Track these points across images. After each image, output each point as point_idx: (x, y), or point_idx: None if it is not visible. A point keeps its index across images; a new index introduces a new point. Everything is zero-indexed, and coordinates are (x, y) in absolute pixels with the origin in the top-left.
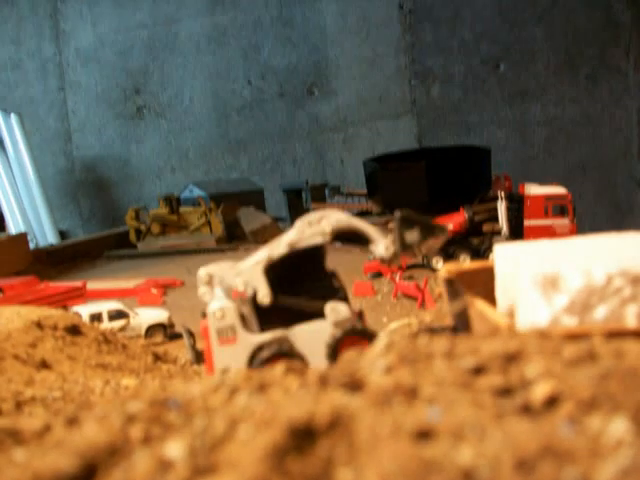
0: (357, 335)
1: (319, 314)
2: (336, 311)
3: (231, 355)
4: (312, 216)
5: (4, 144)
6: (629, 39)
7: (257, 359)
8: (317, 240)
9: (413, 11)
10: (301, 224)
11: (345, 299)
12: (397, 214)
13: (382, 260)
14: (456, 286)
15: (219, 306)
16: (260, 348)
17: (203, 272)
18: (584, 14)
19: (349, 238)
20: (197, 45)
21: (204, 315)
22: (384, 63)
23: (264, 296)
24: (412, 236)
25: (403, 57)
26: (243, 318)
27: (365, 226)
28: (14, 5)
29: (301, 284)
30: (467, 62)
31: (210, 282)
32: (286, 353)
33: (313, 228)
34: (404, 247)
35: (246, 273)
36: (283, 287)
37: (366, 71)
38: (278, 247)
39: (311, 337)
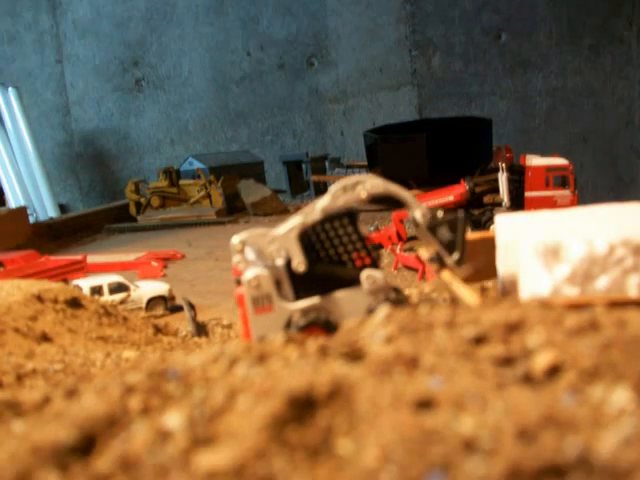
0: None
1: (354, 281)
2: (372, 279)
3: (267, 324)
4: (347, 181)
5: (2, 118)
6: (632, 9)
7: (293, 327)
8: (352, 205)
9: None
10: (335, 189)
11: (378, 265)
12: (461, 214)
13: (432, 261)
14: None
15: (254, 274)
16: (296, 316)
17: (236, 240)
18: None
19: (384, 201)
20: (195, 16)
21: (238, 283)
22: (384, 33)
23: (299, 263)
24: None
25: (403, 27)
26: (279, 286)
27: (401, 192)
28: None
29: (335, 250)
30: (468, 32)
31: (243, 250)
32: (322, 321)
33: (348, 194)
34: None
35: (280, 240)
36: (317, 253)
37: (366, 42)
38: (312, 213)
39: (347, 305)
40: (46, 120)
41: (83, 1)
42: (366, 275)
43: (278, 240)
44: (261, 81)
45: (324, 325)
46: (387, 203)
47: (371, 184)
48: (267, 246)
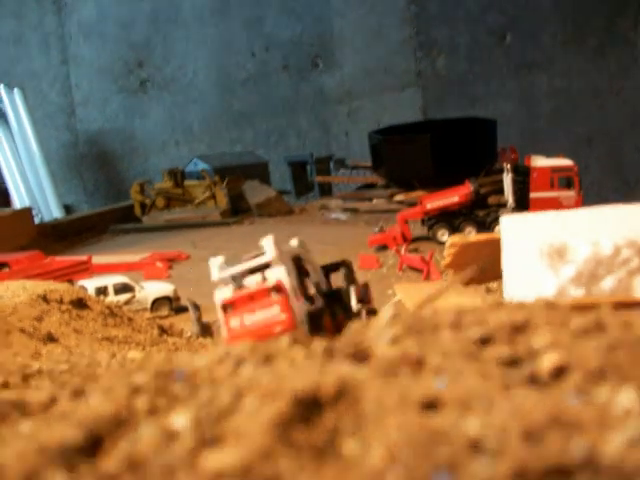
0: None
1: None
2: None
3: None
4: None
5: (7, 119)
6: (637, 9)
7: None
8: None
9: None
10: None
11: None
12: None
13: None
14: None
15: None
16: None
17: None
18: None
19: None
20: (200, 17)
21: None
22: (389, 34)
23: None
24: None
25: (408, 28)
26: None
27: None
28: None
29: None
30: (473, 33)
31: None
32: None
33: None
34: None
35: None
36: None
37: (371, 42)
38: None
39: None
40: (51, 121)
41: (88, 2)
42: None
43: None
44: (266, 82)
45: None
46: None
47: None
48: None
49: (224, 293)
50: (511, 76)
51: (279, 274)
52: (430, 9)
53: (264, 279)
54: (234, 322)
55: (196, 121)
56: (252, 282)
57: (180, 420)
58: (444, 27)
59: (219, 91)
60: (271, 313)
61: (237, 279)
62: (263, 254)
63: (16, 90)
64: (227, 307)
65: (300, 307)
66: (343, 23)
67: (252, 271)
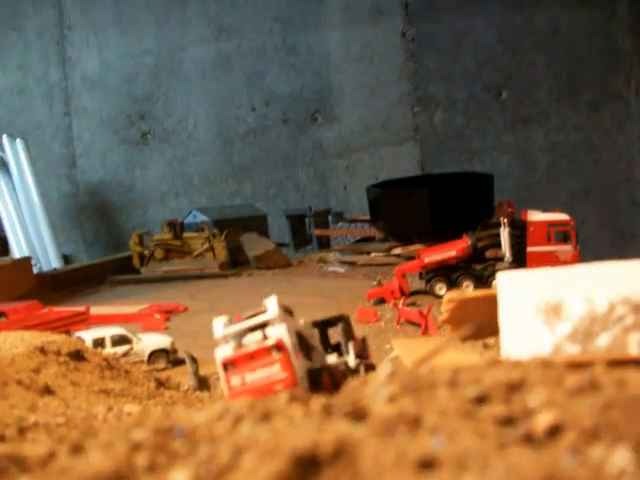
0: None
1: None
2: None
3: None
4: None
5: (9, 168)
6: (630, 66)
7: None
8: None
9: (415, 39)
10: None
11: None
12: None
13: None
14: None
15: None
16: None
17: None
18: (585, 41)
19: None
20: (202, 72)
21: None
22: (387, 90)
23: None
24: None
25: (406, 84)
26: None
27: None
28: (21, 31)
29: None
30: (469, 89)
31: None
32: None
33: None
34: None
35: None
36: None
37: (369, 98)
38: None
39: None
40: (52, 171)
41: (92, 56)
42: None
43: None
44: (265, 136)
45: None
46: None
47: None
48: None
49: (225, 351)
50: (507, 131)
51: (280, 332)
52: (428, 66)
53: (265, 337)
54: (235, 380)
55: (196, 173)
56: (252, 340)
57: (180, 477)
58: (441, 83)
59: (219, 144)
60: (272, 371)
61: (237, 337)
62: (264, 312)
63: (18, 140)
64: (228, 365)
65: (300, 365)
66: (342, 78)
67: (252, 329)
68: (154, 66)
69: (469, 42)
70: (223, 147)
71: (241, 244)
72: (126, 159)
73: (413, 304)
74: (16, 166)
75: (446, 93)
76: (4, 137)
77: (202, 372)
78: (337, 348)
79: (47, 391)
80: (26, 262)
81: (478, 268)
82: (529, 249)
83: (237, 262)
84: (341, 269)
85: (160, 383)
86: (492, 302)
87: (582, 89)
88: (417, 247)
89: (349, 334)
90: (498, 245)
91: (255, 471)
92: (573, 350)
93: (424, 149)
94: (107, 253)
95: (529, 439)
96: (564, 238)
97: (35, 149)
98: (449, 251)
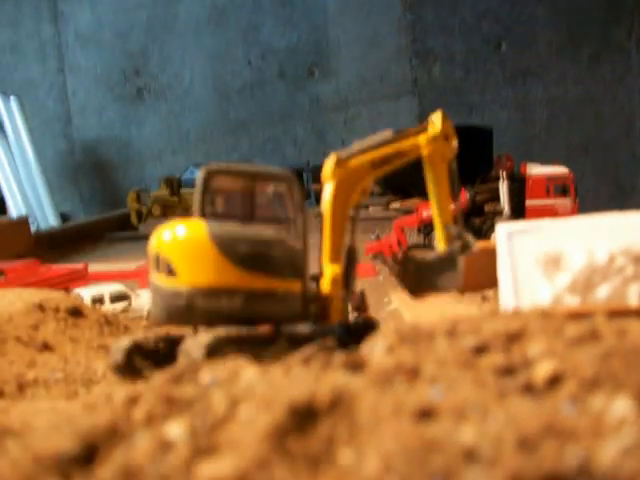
0: None
1: None
2: None
3: None
4: None
5: (4, 127)
6: (632, 18)
7: None
8: None
9: None
10: None
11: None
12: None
13: None
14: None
15: None
16: None
17: None
18: None
19: None
20: (196, 26)
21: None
22: (385, 43)
23: None
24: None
25: (404, 37)
26: None
27: None
28: None
29: None
30: (468, 42)
31: None
32: None
33: None
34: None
35: None
36: None
37: (367, 51)
38: None
39: None
40: (48, 129)
41: (85, 11)
42: None
43: None
44: (262, 90)
45: None
46: None
47: None
48: None
49: None
50: (507, 84)
51: None
52: (426, 18)
53: None
54: None
55: (192, 129)
56: None
57: (175, 430)
58: (440, 36)
59: (215, 99)
60: None
61: None
62: None
63: (12, 98)
64: None
65: None
66: (339, 32)
67: None
68: (148, 20)
69: None
70: (219, 102)
71: None
72: (122, 115)
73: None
74: (11, 124)
75: (445, 46)
76: None
77: None
78: None
79: (46, 347)
80: (24, 222)
81: (477, 222)
82: (528, 202)
83: None
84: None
85: None
86: (491, 254)
87: (583, 41)
88: (415, 201)
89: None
90: (497, 199)
91: (252, 422)
92: (573, 301)
93: (422, 103)
94: (104, 210)
95: (529, 389)
96: (563, 191)
97: (29, 107)
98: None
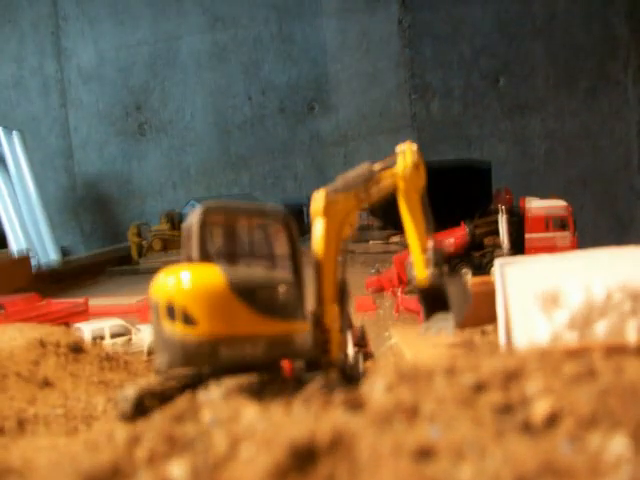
0: None
1: None
2: None
3: None
4: None
5: (6, 161)
6: (627, 53)
7: None
8: None
9: (412, 26)
10: None
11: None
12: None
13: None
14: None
15: None
16: None
17: None
18: (583, 28)
19: None
20: (198, 62)
21: None
22: (384, 78)
23: None
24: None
25: (403, 72)
26: None
27: None
28: (16, 24)
29: None
30: (466, 77)
31: None
32: None
33: None
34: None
35: None
36: None
37: (366, 86)
38: None
39: None
40: (49, 164)
41: (88, 47)
42: None
43: None
44: (262, 125)
45: None
46: None
47: None
48: None
49: None
50: (505, 118)
51: None
52: (424, 53)
53: None
54: None
55: (193, 164)
56: None
57: (177, 470)
58: (438, 71)
59: (216, 134)
60: None
61: None
62: None
63: (15, 133)
64: None
65: None
66: (338, 67)
67: None
68: (150, 57)
69: (466, 29)
70: (220, 137)
71: None
72: (123, 150)
73: (412, 292)
74: (13, 159)
75: (443, 81)
76: (0, 130)
77: None
78: None
79: (46, 383)
80: (24, 256)
81: (476, 256)
82: (527, 236)
83: None
84: (339, 258)
85: None
86: (490, 290)
87: (579, 76)
88: None
89: (348, 323)
90: (496, 233)
91: (253, 461)
92: (571, 338)
93: (421, 137)
94: (105, 245)
95: (527, 427)
96: (562, 225)
97: (31, 141)
98: (448, 240)
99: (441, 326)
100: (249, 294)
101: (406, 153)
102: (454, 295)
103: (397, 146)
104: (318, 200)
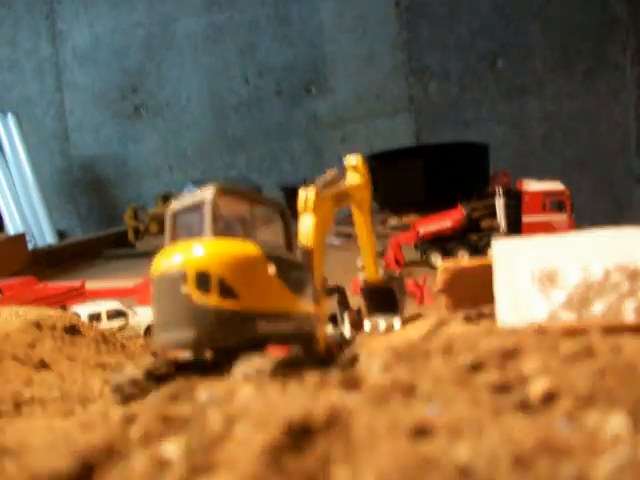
0: None
1: None
2: None
3: None
4: None
5: (1, 144)
6: (626, 35)
7: None
8: None
9: (409, 8)
10: None
11: None
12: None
13: None
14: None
15: None
16: None
17: None
18: (581, 10)
19: None
20: (194, 44)
21: None
22: (381, 60)
23: None
24: None
25: (400, 54)
26: None
27: None
28: (10, 6)
29: None
30: (464, 59)
31: None
32: None
33: None
34: None
35: None
36: None
37: (363, 68)
38: None
39: None
40: (45, 146)
41: (83, 29)
42: None
43: None
44: (259, 107)
45: None
46: None
47: None
48: None
49: None
50: (502, 101)
51: None
52: (422, 35)
53: None
54: None
55: (190, 146)
56: None
57: (171, 449)
58: (436, 53)
59: (213, 117)
60: None
61: None
62: None
63: (10, 115)
64: None
65: None
66: (335, 49)
67: None
68: (145, 39)
69: (463, 11)
70: (216, 119)
71: None
72: (119, 133)
73: (409, 274)
74: (8, 142)
75: (440, 63)
76: None
77: None
78: (333, 319)
79: (43, 366)
80: (21, 239)
81: (473, 238)
82: (524, 218)
83: None
84: (336, 241)
85: (156, 356)
86: (487, 271)
87: (577, 58)
88: (412, 218)
89: (345, 305)
90: (493, 215)
91: (248, 440)
92: (569, 317)
93: (419, 120)
94: (101, 228)
95: (524, 406)
96: (559, 207)
97: (27, 124)
98: (444, 221)
99: (388, 323)
100: (281, 270)
101: (357, 166)
102: (399, 294)
103: (345, 158)
104: (309, 196)
